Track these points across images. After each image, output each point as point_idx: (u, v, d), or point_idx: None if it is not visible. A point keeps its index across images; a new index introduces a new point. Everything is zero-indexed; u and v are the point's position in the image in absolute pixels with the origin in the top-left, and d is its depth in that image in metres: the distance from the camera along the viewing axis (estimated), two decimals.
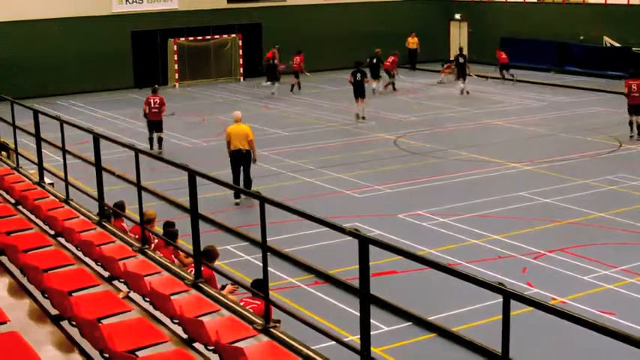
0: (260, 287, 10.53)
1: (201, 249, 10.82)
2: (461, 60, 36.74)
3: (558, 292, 14.00)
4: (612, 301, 13.77)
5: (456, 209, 18.99)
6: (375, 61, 36.79)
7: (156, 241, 11.89)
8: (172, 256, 11.52)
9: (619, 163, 23.35)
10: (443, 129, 29.14)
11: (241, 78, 43.05)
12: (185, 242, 13.44)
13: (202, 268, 8.86)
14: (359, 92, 30.86)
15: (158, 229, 13.29)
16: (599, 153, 24.55)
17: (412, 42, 45.11)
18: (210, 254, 11.30)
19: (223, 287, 10.85)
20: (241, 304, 9.84)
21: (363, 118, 31.06)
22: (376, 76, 37.19)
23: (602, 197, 19.91)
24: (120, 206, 12.54)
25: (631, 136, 26.39)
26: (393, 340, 12.20)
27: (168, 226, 12.96)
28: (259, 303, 10.19)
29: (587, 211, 18.62)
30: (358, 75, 30.86)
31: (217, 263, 12.12)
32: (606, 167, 22.73)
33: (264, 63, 41.12)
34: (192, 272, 9.66)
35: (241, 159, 20.11)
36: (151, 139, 26.19)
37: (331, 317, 12.88)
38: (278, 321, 7.62)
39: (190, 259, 10.86)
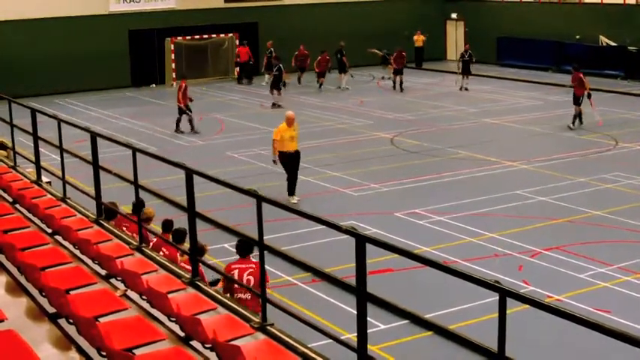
0: (246, 248, 10.69)
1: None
2: (466, 57, 37.21)
3: (554, 290, 14.03)
4: (608, 299, 13.80)
5: (453, 207, 19.02)
6: (339, 55, 38.47)
7: (154, 240, 11.87)
8: (178, 254, 11.49)
9: (615, 161, 23.38)
10: (439, 128, 29.17)
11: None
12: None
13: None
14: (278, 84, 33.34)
15: (156, 227, 13.28)
16: (595, 151, 24.59)
17: (418, 39, 45.10)
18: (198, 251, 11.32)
19: (215, 282, 10.89)
20: (233, 272, 9.95)
21: (279, 105, 32.83)
22: (343, 70, 38.87)
23: (598, 195, 19.95)
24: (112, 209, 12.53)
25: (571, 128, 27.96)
26: (389, 338, 12.22)
27: (168, 224, 12.90)
28: (254, 266, 10.30)
29: (583, 210, 18.65)
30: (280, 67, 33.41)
31: (214, 261, 12.14)
32: (602, 166, 22.76)
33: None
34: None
35: (294, 159, 20.09)
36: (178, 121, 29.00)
37: (328, 315, 12.90)
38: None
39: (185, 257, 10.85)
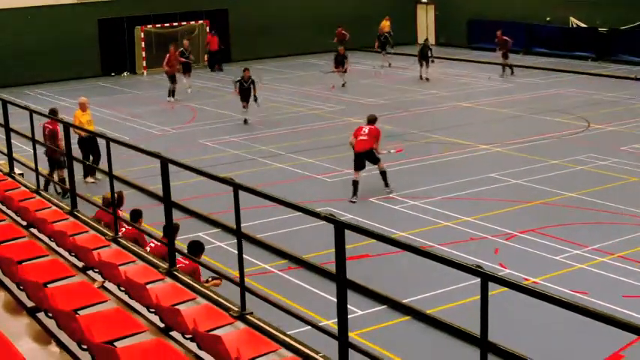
0: (195, 249, 10.81)
1: (181, 240, 10.83)
2: (423, 47, 35.84)
3: (530, 272, 14.11)
4: (584, 280, 13.90)
5: (427, 192, 19.07)
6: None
7: (124, 228, 11.74)
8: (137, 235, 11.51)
9: (588, 143, 23.52)
10: (412, 112, 29.22)
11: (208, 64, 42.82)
12: (156, 230, 13.44)
13: (187, 261, 8.91)
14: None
15: (125, 213, 13.16)
16: (568, 133, 24.72)
17: (385, 25, 44.95)
18: (199, 248, 11.35)
19: (207, 281, 10.84)
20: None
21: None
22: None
23: (572, 177, 20.07)
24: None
25: None
26: (368, 324, 12.24)
27: (136, 214, 12.77)
28: (187, 263, 10.29)
29: (557, 192, 18.75)
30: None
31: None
32: (575, 147, 22.90)
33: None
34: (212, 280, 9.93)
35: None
36: None
37: (305, 302, 12.89)
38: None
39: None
